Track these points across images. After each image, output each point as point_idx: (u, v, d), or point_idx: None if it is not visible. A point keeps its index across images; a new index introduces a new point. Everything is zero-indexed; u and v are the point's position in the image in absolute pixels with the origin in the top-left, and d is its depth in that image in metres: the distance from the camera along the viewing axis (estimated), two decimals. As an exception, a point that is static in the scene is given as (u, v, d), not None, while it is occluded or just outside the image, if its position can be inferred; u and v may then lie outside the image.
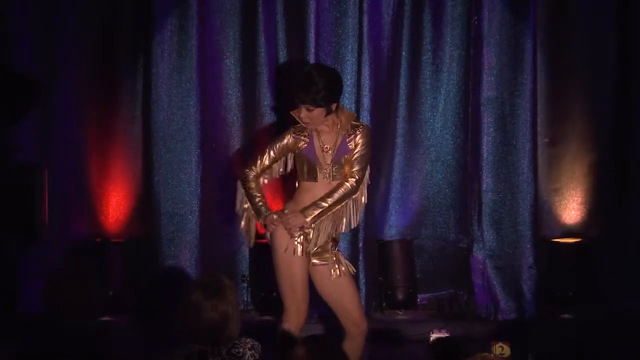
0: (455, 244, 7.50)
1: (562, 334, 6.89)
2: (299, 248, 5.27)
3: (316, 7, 7.09)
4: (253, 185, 5.35)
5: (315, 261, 5.36)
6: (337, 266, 5.35)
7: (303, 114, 5.23)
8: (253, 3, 7.22)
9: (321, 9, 7.12)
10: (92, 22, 7.33)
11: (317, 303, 5.56)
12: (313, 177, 5.30)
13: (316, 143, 5.31)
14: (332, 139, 5.31)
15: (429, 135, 7.44)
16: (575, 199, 7.53)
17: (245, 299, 7.30)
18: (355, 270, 5.59)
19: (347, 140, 5.30)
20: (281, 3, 7.18)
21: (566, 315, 7.19)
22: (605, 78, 7.46)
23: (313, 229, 5.28)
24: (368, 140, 5.31)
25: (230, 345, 3.98)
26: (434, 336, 6.88)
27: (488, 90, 7.22)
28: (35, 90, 7.22)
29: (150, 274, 7.23)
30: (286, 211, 5.32)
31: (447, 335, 6.69)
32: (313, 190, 5.31)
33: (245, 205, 5.40)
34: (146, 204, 7.29)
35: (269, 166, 5.39)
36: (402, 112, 7.38)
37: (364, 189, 5.38)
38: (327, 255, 5.35)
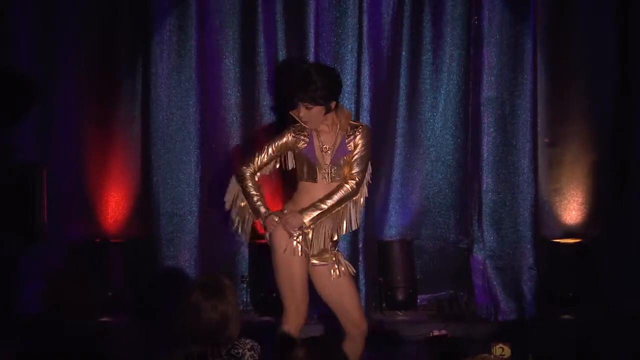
0: (455, 245, 7.50)
1: (563, 335, 6.88)
2: (298, 248, 5.26)
3: (316, 6, 7.08)
4: (250, 183, 5.33)
5: (314, 261, 5.35)
6: (336, 266, 5.35)
7: (302, 112, 5.22)
8: (252, 3, 7.21)
9: (321, 8, 7.11)
10: (92, 22, 7.32)
11: (316, 303, 5.55)
12: (313, 178, 5.30)
13: (316, 143, 5.30)
14: (332, 139, 5.30)
15: (429, 135, 7.43)
16: (576, 199, 7.53)
17: (245, 299, 7.30)
18: (355, 271, 5.58)
19: (347, 141, 5.30)
20: (281, 3, 7.18)
21: (566, 316, 7.19)
22: (605, 78, 7.46)
23: (312, 230, 5.28)
24: (368, 140, 5.30)
25: (229, 346, 3.97)
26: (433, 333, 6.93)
27: (488, 90, 7.22)
28: (34, 90, 7.21)
29: (149, 274, 7.22)
30: (285, 211, 5.32)
31: (445, 333, 6.70)
32: (312, 191, 5.30)
33: (242, 204, 5.38)
34: (145, 204, 7.28)
35: (266, 164, 5.38)
36: (402, 112, 7.37)
37: (364, 188, 5.37)
38: (327, 256, 5.35)
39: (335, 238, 5.37)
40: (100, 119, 7.37)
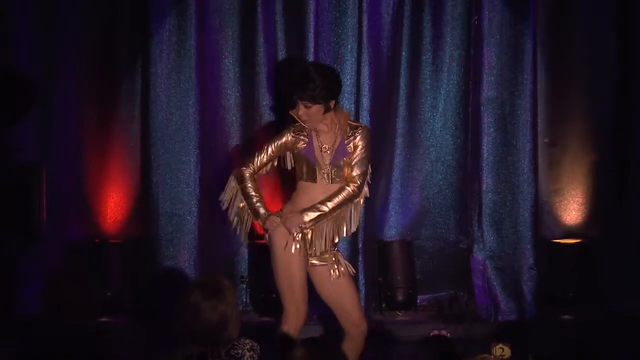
0: (455, 245, 7.49)
1: (563, 335, 6.88)
2: (297, 246, 5.26)
3: (315, 6, 7.07)
4: (249, 184, 5.33)
5: (314, 262, 5.35)
6: (336, 267, 5.35)
7: (301, 111, 5.22)
8: (252, 3, 7.21)
9: (320, 8, 7.10)
10: (92, 22, 7.32)
11: (316, 304, 5.55)
12: (312, 178, 5.29)
13: (315, 143, 5.30)
14: (331, 140, 5.30)
15: (428, 135, 7.43)
16: (576, 199, 7.52)
17: (244, 299, 7.29)
18: (354, 271, 5.58)
19: (346, 141, 5.30)
20: (280, 3, 7.17)
21: (566, 316, 7.18)
22: (605, 78, 7.46)
23: (313, 231, 5.28)
24: (368, 142, 5.30)
25: (229, 346, 3.97)
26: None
27: (488, 90, 7.21)
28: (34, 90, 7.21)
29: (148, 274, 7.22)
30: (285, 210, 5.32)
31: (443, 334, 6.69)
32: (312, 192, 5.30)
33: (241, 205, 5.38)
34: (145, 204, 7.27)
35: (266, 164, 5.37)
36: (402, 112, 7.37)
37: (365, 188, 5.38)
38: (327, 256, 5.35)
39: (337, 240, 5.37)
40: (100, 119, 7.37)
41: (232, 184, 5.38)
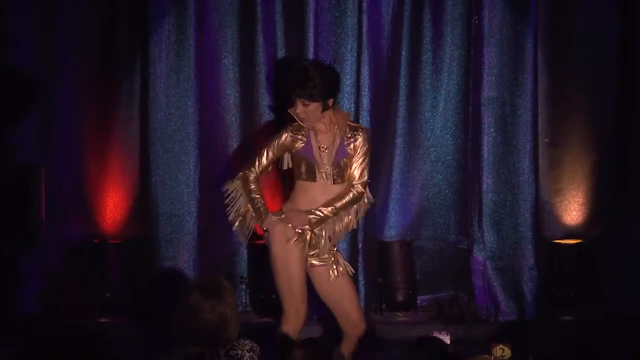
0: (455, 245, 7.48)
1: (563, 335, 6.87)
2: (299, 245, 5.26)
3: (315, 6, 7.06)
4: (253, 186, 5.35)
5: (313, 262, 5.35)
6: (335, 267, 5.34)
7: (299, 109, 5.23)
8: (251, 2, 7.20)
9: (320, 8, 7.10)
10: (92, 22, 7.31)
11: (316, 304, 5.54)
12: (311, 177, 5.30)
13: (313, 143, 5.30)
14: (330, 139, 5.31)
15: (429, 135, 7.42)
16: (576, 199, 7.52)
17: (244, 300, 7.28)
18: (354, 271, 5.57)
19: (346, 142, 5.30)
20: (280, 2, 7.16)
21: (567, 317, 7.17)
22: (606, 78, 7.46)
23: (313, 233, 5.28)
24: (369, 146, 5.33)
25: (228, 347, 3.96)
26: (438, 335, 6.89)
27: (488, 90, 7.20)
28: (34, 90, 7.20)
29: (148, 275, 7.21)
30: (285, 210, 5.32)
31: (434, 336, 6.66)
32: (311, 191, 5.30)
33: (245, 207, 5.38)
34: (144, 204, 7.26)
35: (268, 166, 5.39)
36: (402, 112, 7.36)
37: (368, 193, 5.41)
38: (326, 256, 5.34)
39: (336, 240, 5.37)
40: (100, 119, 7.36)
41: (236, 188, 5.39)
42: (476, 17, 7.22)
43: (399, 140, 7.38)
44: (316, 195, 5.29)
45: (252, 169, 5.37)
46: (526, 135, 7.19)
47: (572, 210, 7.53)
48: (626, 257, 7.36)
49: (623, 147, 7.46)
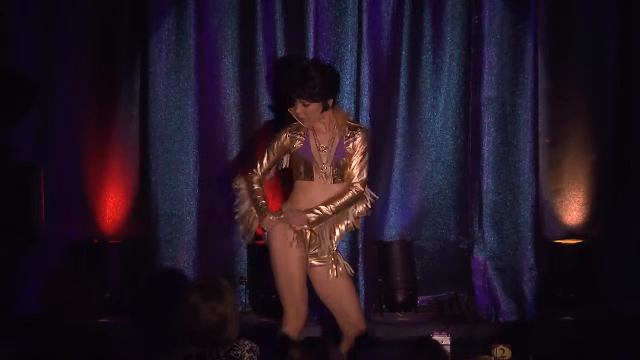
0: (455, 245, 7.47)
1: (563, 336, 6.86)
2: (299, 246, 5.26)
3: (315, 6, 7.06)
4: (256, 187, 5.37)
5: (313, 262, 5.34)
6: (335, 267, 5.34)
7: (299, 109, 5.23)
8: (251, 2, 7.19)
9: (320, 7, 7.09)
10: (92, 22, 7.31)
11: (316, 305, 5.53)
12: (309, 177, 5.30)
13: (312, 142, 5.31)
14: (329, 139, 5.31)
15: (429, 135, 7.41)
16: (577, 199, 7.51)
17: (244, 300, 7.27)
18: (353, 271, 5.57)
19: (345, 142, 5.30)
20: (280, 2, 7.15)
21: (567, 317, 7.16)
22: (606, 78, 7.45)
23: (312, 232, 5.28)
24: (368, 145, 5.33)
25: (228, 347, 3.96)
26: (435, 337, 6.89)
27: (489, 90, 7.20)
28: (34, 90, 7.20)
29: (147, 275, 7.20)
30: (284, 210, 5.32)
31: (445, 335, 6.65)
32: (310, 190, 5.30)
33: (248, 208, 5.38)
34: (143, 204, 7.26)
35: (270, 168, 5.40)
36: (402, 112, 7.35)
37: (369, 193, 5.41)
38: (325, 256, 5.34)
39: (336, 239, 5.37)
40: (100, 119, 7.36)
41: (242, 192, 5.40)
42: (476, 17, 7.22)
43: (399, 140, 7.37)
44: (315, 195, 5.29)
45: (254, 170, 5.39)
46: (526, 135, 7.18)
47: (573, 210, 7.52)
48: (626, 257, 7.36)
49: (623, 147, 7.45)
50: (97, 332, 4.07)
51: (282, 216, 5.31)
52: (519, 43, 7.15)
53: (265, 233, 5.34)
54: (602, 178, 7.49)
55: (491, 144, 7.22)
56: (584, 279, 7.35)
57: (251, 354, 3.99)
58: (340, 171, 5.29)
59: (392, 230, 7.44)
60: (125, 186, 7.38)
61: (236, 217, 5.46)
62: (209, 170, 7.21)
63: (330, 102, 5.25)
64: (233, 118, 7.34)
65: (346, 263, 5.43)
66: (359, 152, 5.29)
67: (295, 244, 5.25)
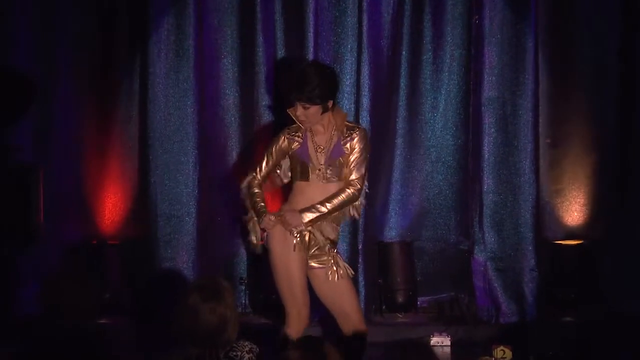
0: (456, 246, 7.46)
1: (564, 336, 6.85)
2: (297, 246, 5.25)
3: (315, 6, 7.05)
4: (256, 190, 5.38)
5: (313, 264, 5.33)
6: (334, 268, 5.33)
7: (299, 111, 5.23)
8: (251, 2, 7.19)
9: (320, 7, 7.09)
10: (92, 22, 7.31)
11: (317, 306, 5.52)
12: (306, 177, 5.30)
13: (310, 143, 5.31)
14: (327, 139, 5.31)
15: (429, 135, 7.40)
16: (577, 200, 7.50)
17: (243, 301, 7.27)
18: (353, 273, 5.55)
19: (342, 142, 5.29)
20: (280, 2, 7.15)
21: (568, 318, 7.16)
22: (606, 78, 7.45)
23: (311, 232, 5.27)
24: (365, 144, 5.31)
25: (228, 348, 3.95)
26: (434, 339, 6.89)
27: (489, 90, 7.19)
28: (34, 90, 7.20)
29: (147, 275, 7.20)
30: (282, 211, 5.32)
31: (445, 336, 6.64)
32: (307, 191, 5.30)
33: (249, 217, 5.40)
34: (143, 205, 7.25)
35: (270, 171, 5.40)
36: (402, 112, 7.35)
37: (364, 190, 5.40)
38: (325, 258, 5.33)
39: (332, 237, 5.35)
40: (99, 119, 7.36)
41: (245, 195, 5.41)
42: (477, 17, 7.21)
43: (399, 141, 7.37)
44: (313, 195, 5.28)
45: (255, 174, 5.39)
46: (527, 135, 7.18)
47: (573, 210, 7.51)
48: (627, 257, 7.35)
49: (624, 148, 7.45)
50: (96, 332, 4.07)
51: (280, 216, 5.30)
52: (520, 43, 7.15)
53: (265, 234, 5.33)
54: (603, 179, 7.48)
55: (492, 144, 7.21)
56: (585, 280, 7.34)
57: (251, 354, 3.98)
58: (337, 171, 5.28)
59: (392, 231, 7.43)
60: (125, 187, 7.38)
61: (247, 222, 5.46)
62: (208, 171, 7.20)
63: (330, 104, 5.25)
64: (232, 118, 7.33)
65: (346, 265, 5.41)
66: (356, 151, 5.28)
67: (296, 247, 5.24)
